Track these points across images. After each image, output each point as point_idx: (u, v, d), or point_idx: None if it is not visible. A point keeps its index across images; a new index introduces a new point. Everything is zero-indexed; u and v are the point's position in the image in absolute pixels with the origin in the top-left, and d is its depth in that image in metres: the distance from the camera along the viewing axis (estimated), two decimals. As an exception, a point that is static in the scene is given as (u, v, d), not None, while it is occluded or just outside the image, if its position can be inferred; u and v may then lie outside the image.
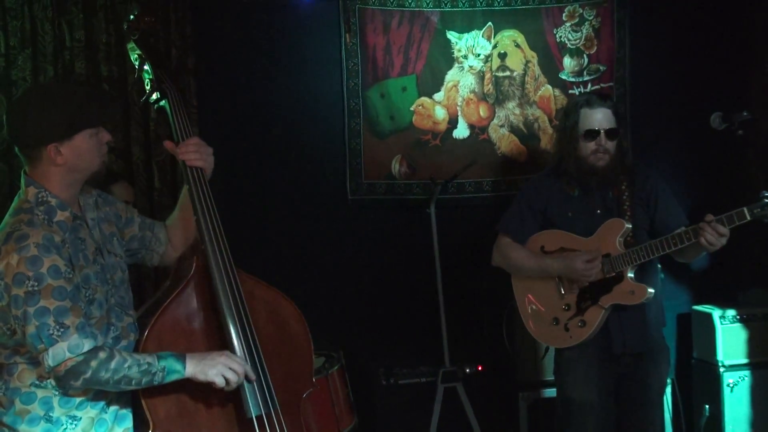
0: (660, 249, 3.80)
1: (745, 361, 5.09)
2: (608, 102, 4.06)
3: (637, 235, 3.98)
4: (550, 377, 4.91)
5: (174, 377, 2.71)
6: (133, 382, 2.67)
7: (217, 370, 2.75)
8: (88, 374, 2.60)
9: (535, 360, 5.09)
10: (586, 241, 4.00)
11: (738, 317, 5.11)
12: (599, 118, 3.99)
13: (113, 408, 2.85)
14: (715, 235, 3.63)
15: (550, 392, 4.96)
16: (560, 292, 4.08)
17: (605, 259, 3.93)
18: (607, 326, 3.97)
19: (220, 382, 2.75)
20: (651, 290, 3.89)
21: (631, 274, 3.90)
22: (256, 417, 2.84)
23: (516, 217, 4.23)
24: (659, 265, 4.24)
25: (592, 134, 3.97)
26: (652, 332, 4.05)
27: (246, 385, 2.84)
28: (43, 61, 4.79)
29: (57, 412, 2.74)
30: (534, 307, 4.20)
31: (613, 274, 3.92)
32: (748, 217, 3.57)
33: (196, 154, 3.04)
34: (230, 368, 2.76)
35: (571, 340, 4.02)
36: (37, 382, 2.72)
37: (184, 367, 2.71)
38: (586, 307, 3.98)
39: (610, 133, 3.97)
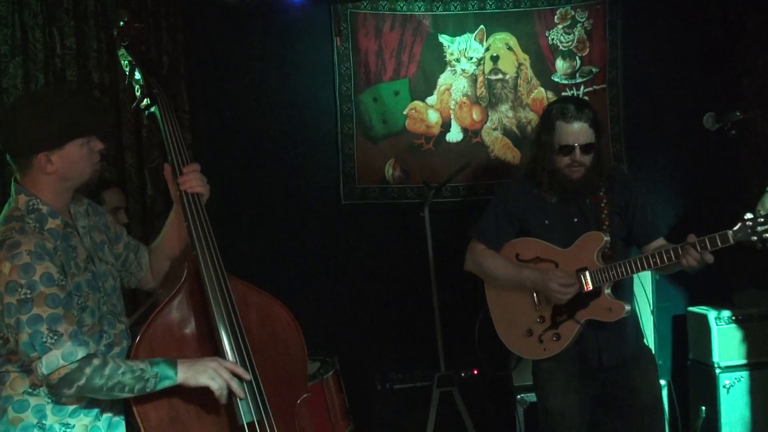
0: (639, 267, 3.73)
1: (741, 362, 5.09)
2: (585, 113, 3.87)
3: (613, 243, 3.89)
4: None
5: (166, 383, 2.70)
6: (127, 389, 2.66)
7: (208, 374, 2.74)
8: (82, 381, 2.59)
9: (530, 363, 5.06)
10: (563, 252, 3.92)
11: (733, 318, 5.11)
12: (575, 132, 3.85)
13: (106, 415, 2.84)
14: (697, 258, 3.54)
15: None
16: (535, 303, 3.99)
17: (582, 273, 3.84)
18: (582, 340, 3.91)
19: (214, 386, 2.73)
20: (628, 307, 3.83)
21: (608, 290, 3.83)
22: (248, 424, 2.83)
23: (491, 223, 4.11)
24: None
25: (567, 149, 3.85)
26: (630, 345, 3.99)
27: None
28: (34, 69, 4.78)
29: (50, 420, 2.73)
30: (507, 316, 4.11)
31: (590, 288, 3.83)
32: (731, 241, 3.47)
33: (197, 181, 3.03)
34: (221, 375, 2.75)
35: (545, 353, 3.95)
36: (29, 390, 2.71)
37: (176, 373, 2.70)
38: (561, 321, 3.91)
39: (585, 148, 3.85)
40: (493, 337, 4.22)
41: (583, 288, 3.83)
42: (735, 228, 3.47)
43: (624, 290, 3.94)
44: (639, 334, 4.08)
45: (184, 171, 3.03)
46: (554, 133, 3.89)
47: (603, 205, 3.92)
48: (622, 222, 3.96)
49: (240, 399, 2.81)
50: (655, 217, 4.04)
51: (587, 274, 3.83)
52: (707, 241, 3.52)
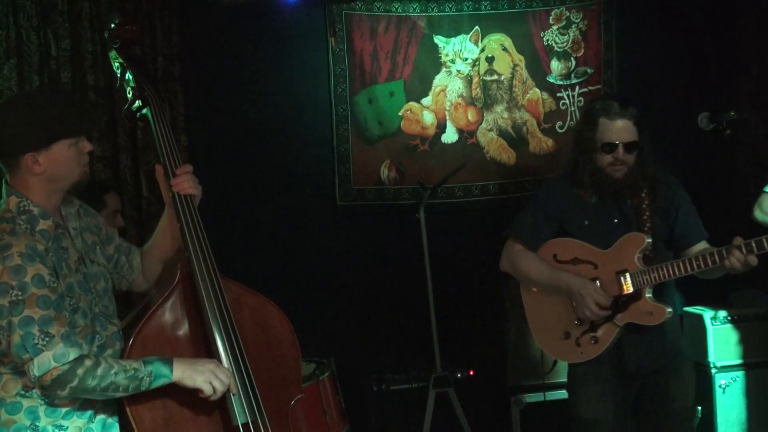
0: (682, 269, 3.62)
1: (737, 362, 5.08)
2: (629, 110, 3.75)
3: (655, 247, 3.78)
4: (542, 381, 4.92)
5: (161, 382, 2.69)
6: (121, 389, 2.65)
7: (206, 377, 2.73)
8: (75, 383, 2.59)
9: (526, 364, 5.07)
10: (603, 253, 3.80)
11: (729, 318, 5.10)
12: (618, 129, 3.74)
13: (100, 417, 2.84)
14: (742, 260, 3.47)
15: (542, 396, 4.96)
16: (574, 306, 3.84)
17: (622, 274, 3.73)
18: (621, 344, 3.78)
19: (207, 389, 2.73)
20: (669, 310, 3.70)
21: (649, 294, 3.71)
22: (242, 424, 2.82)
23: (529, 223, 3.98)
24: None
25: (610, 147, 3.73)
26: (669, 350, 3.84)
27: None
28: (29, 71, 4.78)
29: (43, 422, 2.72)
30: (544, 319, 3.97)
31: (631, 291, 3.72)
32: None
33: (190, 182, 3.03)
34: (217, 377, 2.75)
35: (582, 356, 3.82)
36: (22, 392, 2.70)
37: (172, 371, 2.69)
38: (599, 323, 3.78)
39: (628, 147, 3.73)
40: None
41: (623, 290, 3.73)
42: None
43: (666, 293, 3.82)
44: (679, 338, 3.97)
45: (176, 173, 3.02)
46: (596, 131, 3.78)
47: (644, 206, 3.80)
48: (664, 224, 3.85)
49: (233, 399, 2.81)
50: (698, 220, 3.90)
51: (627, 276, 3.73)
52: (753, 245, 3.46)
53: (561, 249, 3.92)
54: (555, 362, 4.26)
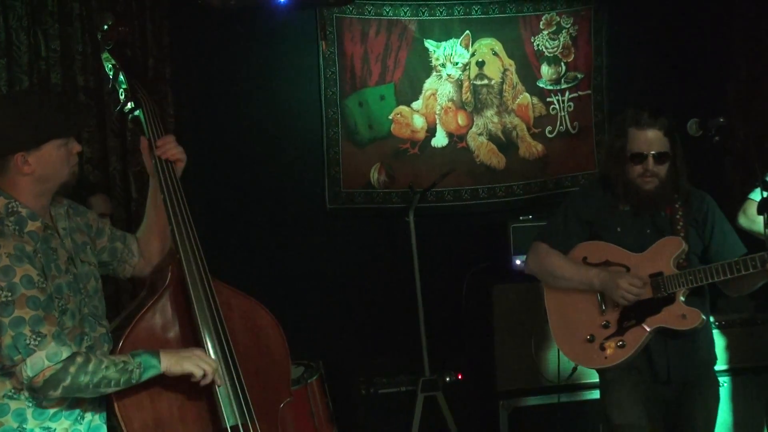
0: (722, 273, 3.50)
1: (724, 367, 5.09)
2: (660, 121, 3.65)
3: (688, 256, 3.69)
4: (531, 385, 4.93)
5: (151, 373, 2.69)
6: (113, 383, 2.64)
7: (193, 361, 2.73)
8: (67, 381, 2.58)
9: (515, 368, 5.07)
10: (636, 256, 3.70)
11: (717, 324, 5.11)
12: (648, 139, 3.65)
13: (87, 419, 2.82)
14: None
15: (531, 401, 4.97)
16: (601, 307, 3.75)
17: (657, 278, 3.63)
18: (649, 350, 3.67)
19: (197, 371, 2.73)
20: (704, 316, 3.62)
21: (682, 298, 3.60)
22: (231, 427, 2.82)
23: (560, 227, 3.88)
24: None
25: (639, 158, 3.65)
26: (701, 360, 3.77)
27: (221, 393, 2.82)
28: (19, 72, 4.77)
29: (30, 424, 2.70)
30: (568, 321, 3.84)
31: (665, 294, 3.61)
32: None
33: (175, 149, 3.03)
34: (205, 360, 2.75)
35: (606, 362, 3.70)
36: (9, 394, 2.68)
37: (160, 362, 2.69)
38: (628, 327, 3.66)
39: (658, 157, 3.64)
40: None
41: (655, 293, 3.63)
42: None
43: (700, 301, 3.72)
44: (711, 350, 3.86)
45: (159, 143, 3.03)
46: (626, 141, 3.69)
47: (678, 216, 3.71)
48: (698, 238, 3.75)
49: (222, 402, 2.81)
50: (736, 238, 3.79)
51: (661, 278, 3.63)
52: None
53: (591, 251, 3.81)
54: (575, 368, 4.11)
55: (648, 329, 3.64)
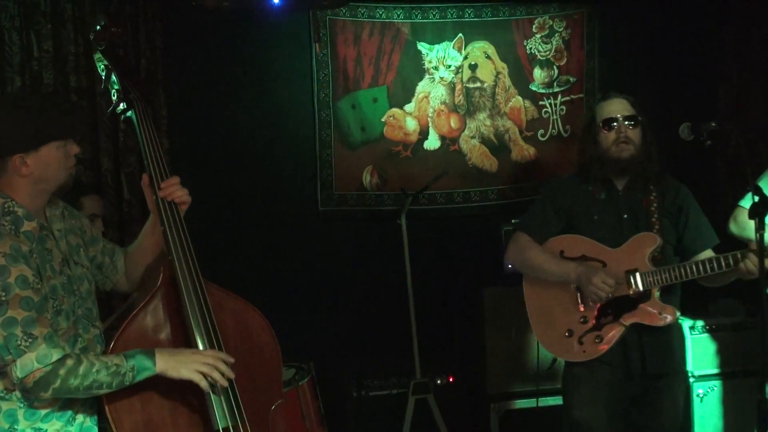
0: (695, 272, 3.61)
1: (714, 371, 5.10)
2: (625, 95, 3.87)
3: (663, 249, 3.78)
4: (522, 388, 4.93)
5: (145, 375, 2.67)
6: (104, 386, 2.64)
7: (191, 367, 2.72)
8: (57, 383, 2.57)
9: (506, 371, 5.08)
10: (613, 251, 3.78)
11: (707, 328, 5.12)
12: (615, 105, 3.84)
13: (79, 420, 2.82)
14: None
15: (521, 403, 4.97)
16: (579, 303, 3.83)
17: (632, 274, 3.72)
18: (624, 344, 3.75)
19: (197, 379, 2.72)
20: (678, 312, 3.73)
21: (658, 293, 3.70)
22: (223, 429, 2.81)
23: (538, 216, 3.98)
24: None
25: (610, 122, 3.79)
26: (675, 355, 3.87)
27: (213, 396, 2.81)
28: (11, 72, 4.76)
29: (22, 425, 2.70)
30: (547, 315, 3.92)
31: (640, 291, 3.71)
32: None
33: (179, 191, 3.02)
34: (206, 363, 2.73)
35: (584, 355, 3.78)
36: (1, 395, 2.68)
37: (154, 363, 2.68)
38: (605, 322, 3.75)
39: (629, 119, 3.80)
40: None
41: (632, 289, 3.71)
42: None
43: (672, 297, 3.82)
44: (682, 346, 3.98)
45: (163, 185, 3.01)
46: (597, 116, 3.87)
47: (654, 208, 3.80)
48: (673, 228, 3.85)
49: (214, 402, 2.80)
50: (709, 227, 3.90)
51: (637, 275, 3.71)
52: None
53: (569, 245, 3.90)
54: (554, 360, 4.18)
55: (625, 324, 3.73)
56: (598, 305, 3.78)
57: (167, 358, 2.71)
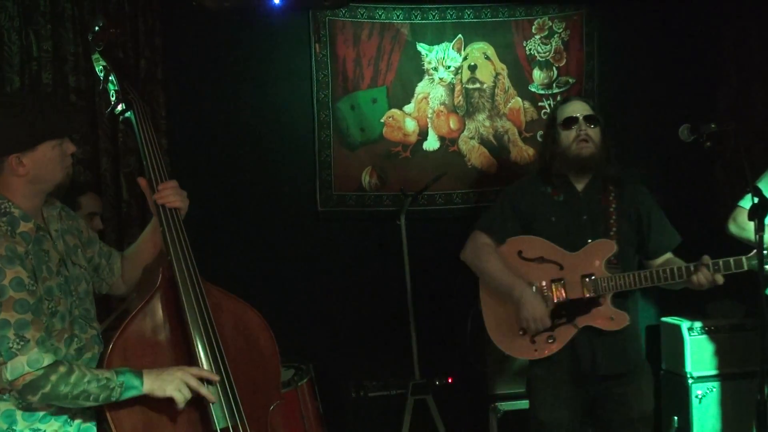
0: (648, 281, 3.73)
1: (713, 372, 5.11)
2: (584, 98, 4.01)
3: (624, 252, 3.87)
4: (521, 389, 4.93)
5: (132, 393, 2.68)
6: (92, 398, 2.64)
7: (175, 385, 2.72)
8: (47, 389, 2.57)
9: (505, 372, 5.08)
10: (570, 255, 3.87)
11: (706, 329, 5.14)
12: (575, 107, 3.95)
13: (77, 421, 2.82)
14: (709, 278, 3.61)
15: (520, 404, 4.96)
16: None
17: (588, 279, 3.82)
18: (575, 344, 3.85)
19: (178, 397, 2.72)
20: (631, 317, 3.83)
21: (611, 300, 3.81)
22: (222, 429, 2.82)
23: (497, 216, 4.04)
24: None
25: (571, 121, 3.89)
26: (630, 356, 3.92)
27: (212, 396, 2.82)
28: (10, 72, 4.76)
29: (20, 425, 2.70)
30: (501, 313, 3.99)
31: (594, 295, 3.81)
32: (746, 267, 3.58)
33: (174, 196, 3.02)
34: (186, 383, 2.74)
35: (536, 354, 3.89)
36: (-1, 395, 2.69)
37: (142, 383, 2.69)
38: (559, 324, 3.85)
39: (588, 119, 3.90)
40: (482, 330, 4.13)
41: (586, 294, 3.81)
42: (749, 255, 3.56)
43: (629, 301, 3.91)
44: (640, 348, 4.05)
45: (159, 188, 3.01)
46: (557, 118, 3.97)
47: (612, 209, 3.89)
48: (632, 230, 3.92)
49: (213, 404, 2.81)
50: (671, 228, 3.99)
51: (592, 280, 3.81)
52: (721, 265, 3.60)
53: (527, 246, 3.97)
54: (507, 356, 4.26)
55: (578, 326, 3.83)
56: (552, 308, 3.86)
57: (154, 379, 2.72)
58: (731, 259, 3.60)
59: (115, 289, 3.18)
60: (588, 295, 3.82)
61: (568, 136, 3.90)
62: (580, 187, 3.95)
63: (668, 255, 3.95)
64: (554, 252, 3.90)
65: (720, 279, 3.62)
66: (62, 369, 2.60)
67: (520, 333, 3.91)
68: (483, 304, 4.09)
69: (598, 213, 3.90)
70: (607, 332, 3.81)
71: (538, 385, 3.96)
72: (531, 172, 4.26)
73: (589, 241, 3.87)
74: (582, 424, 3.98)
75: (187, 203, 3.07)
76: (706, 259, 3.61)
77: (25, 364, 2.55)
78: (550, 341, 3.86)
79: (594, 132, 3.89)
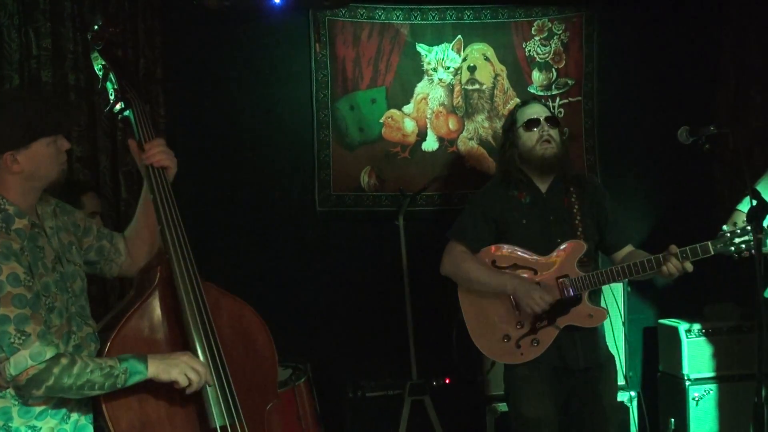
0: (621, 275, 3.82)
1: (710, 374, 5.12)
2: (542, 102, 4.15)
3: (592, 249, 4.02)
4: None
5: (137, 378, 2.68)
6: (97, 387, 2.63)
7: (180, 369, 2.72)
8: (51, 381, 2.57)
9: (502, 373, 5.06)
10: (543, 260, 3.94)
11: (703, 331, 5.14)
12: (535, 109, 4.05)
13: (74, 419, 2.82)
14: (678, 267, 3.66)
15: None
16: (514, 308, 3.95)
17: (563, 280, 3.89)
18: (559, 344, 3.92)
19: (183, 380, 2.72)
20: (608, 313, 3.96)
21: (587, 298, 3.90)
22: (220, 427, 2.81)
23: (470, 225, 4.08)
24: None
25: (533, 123, 3.99)
26: (600, 345, 4.05)
27: (210, 394, 2.82)
28: (9, 69, 4.75)
29: (16, 422, 2.70)
30: (483, 321, 4.04)
31: (572, 296, 3.88)
32: (712, 252, 3.64)
33: (162, 154, 3.02)
34: (192, 368, 2.74)
35: (522, 357, 3.94)
36: (-4, 392, 2.69)
37: (147, 368, 2.68)
38: (541, 326, 3.92)
39: (550, 120, 4.01)
40: (467, 339, 4.18)
41: (563, 295, 3.88)
42: (715, 239, 3.63)
43: (597, 297, 4.02)
44: (604, 340, 4.13)
45: (146, 147, 3.02)
46: (516, 120, 4.06)
47: (576, 209, 3.98)
48: (595, 228, 4.04)
49: (211, 402, 2.80)
50: (624, 224, 4.13)
51: (568, 281, 3.89)
52: (688, 252, 3.65)
53: (500, 256, 4.04)
54: (493, 363, 4.28)
55: (559, 327, 3.91)
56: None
57: (158, 362, 2.71)
58: (698, 246, 3.65)
59: (126, 269, 3.16)
60: (565, 296, 3.89)
61: (530, 137, 3.99)
62: (543, 188, 4.04)
63: (630, 247, 4.05)
64: (525, 258, 3.98)
65: (689, 267, 3.68)
66: (64, 361, 2.59)
67: (504, 340, 3.98)
68: (464, 313, 4.13)
69: (564, 213, 4.00)
70: (583, 328, 3.92)
71: (521, 384, 4.00)
72: (494, 176, 4.32)
73: (559, 241, 3.95)
74: (559, 418, 4.05)
75: (175, 162, 3.08)
76: (674, 248, 3.67)
77: (28, 357, 2.55)
78: (534, 344, 3.93)
79: (555, 133, 4.01)
